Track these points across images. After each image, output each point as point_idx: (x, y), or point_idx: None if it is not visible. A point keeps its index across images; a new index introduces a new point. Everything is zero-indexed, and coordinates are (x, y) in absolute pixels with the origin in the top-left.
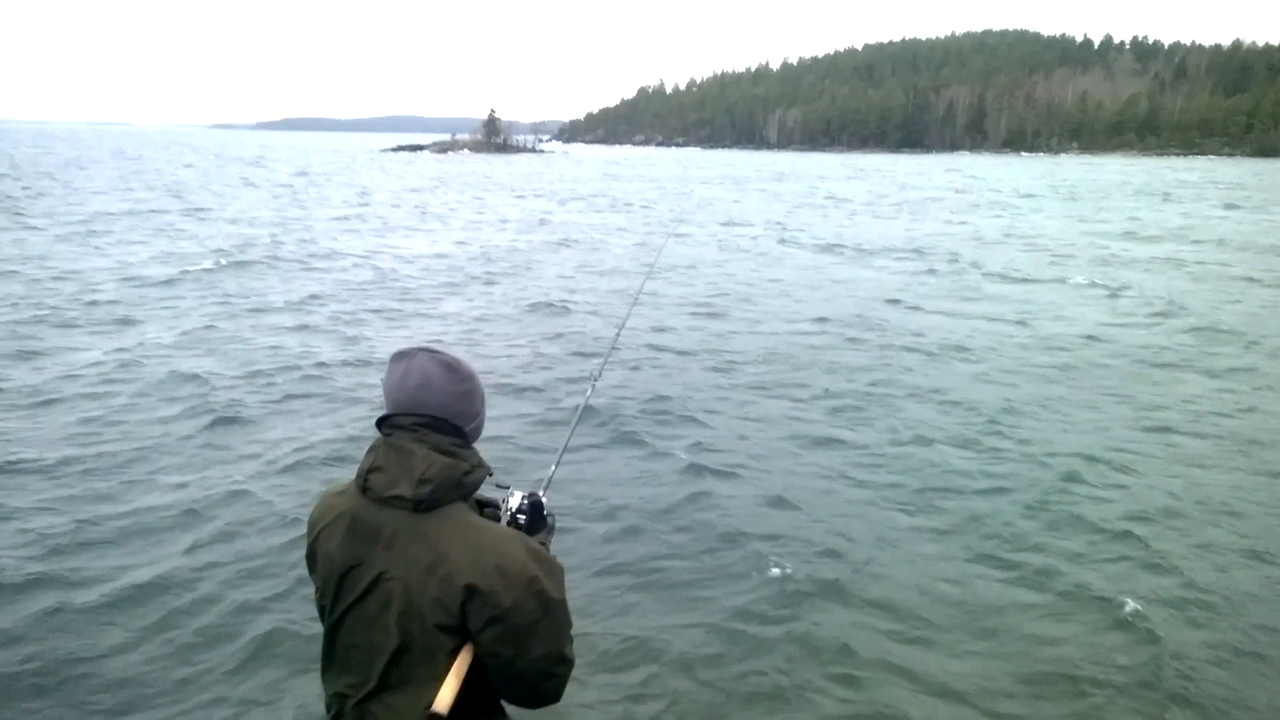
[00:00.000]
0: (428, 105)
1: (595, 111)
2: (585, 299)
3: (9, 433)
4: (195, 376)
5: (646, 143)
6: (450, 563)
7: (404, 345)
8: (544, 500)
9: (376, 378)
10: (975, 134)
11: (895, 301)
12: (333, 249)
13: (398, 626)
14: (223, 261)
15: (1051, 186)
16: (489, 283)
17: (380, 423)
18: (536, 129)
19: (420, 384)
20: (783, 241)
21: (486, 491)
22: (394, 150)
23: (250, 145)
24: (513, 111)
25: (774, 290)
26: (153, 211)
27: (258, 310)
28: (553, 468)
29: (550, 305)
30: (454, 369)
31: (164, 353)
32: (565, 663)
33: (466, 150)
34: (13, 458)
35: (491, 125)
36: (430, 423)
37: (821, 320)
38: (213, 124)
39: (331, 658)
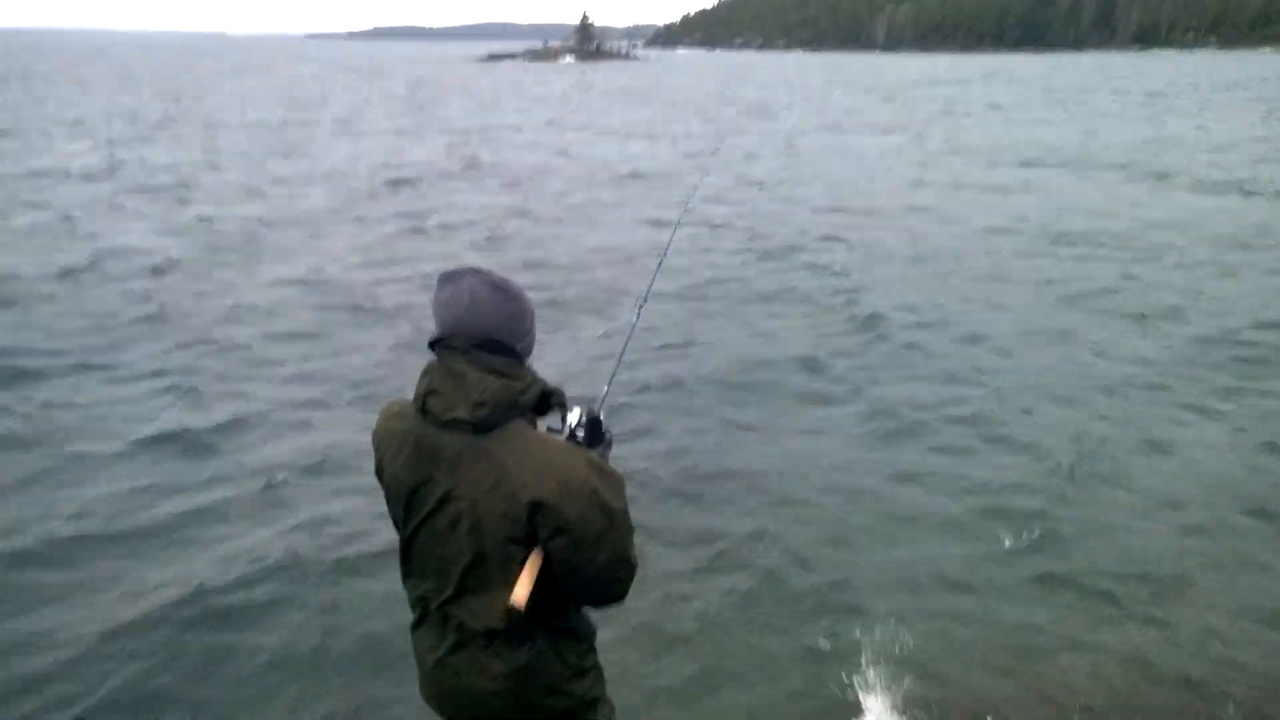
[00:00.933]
0: (519, 11)
1: (692, 14)
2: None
3: None
4: None
5: (746, 46)
6: (514, 480)
7: (450, 266)
8: (601, 417)
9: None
10: (1103, 29)
11: None
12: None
13: (469, 539)
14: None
15: None
16: None
17: (432, 344)
18: (630, 34)
19: (470, 305)
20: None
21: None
22: (487, 59)
23: (358, 55)
24: (606, 16)
25: None
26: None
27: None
28: (605, 387)
29: None
30: (503, 289)
31: None
32: (629, 566)
33: (570, 58)
34: None
35: (585, 31)
36: (482, 343)
37: None
38: (307, 33)
39: (409, 565)
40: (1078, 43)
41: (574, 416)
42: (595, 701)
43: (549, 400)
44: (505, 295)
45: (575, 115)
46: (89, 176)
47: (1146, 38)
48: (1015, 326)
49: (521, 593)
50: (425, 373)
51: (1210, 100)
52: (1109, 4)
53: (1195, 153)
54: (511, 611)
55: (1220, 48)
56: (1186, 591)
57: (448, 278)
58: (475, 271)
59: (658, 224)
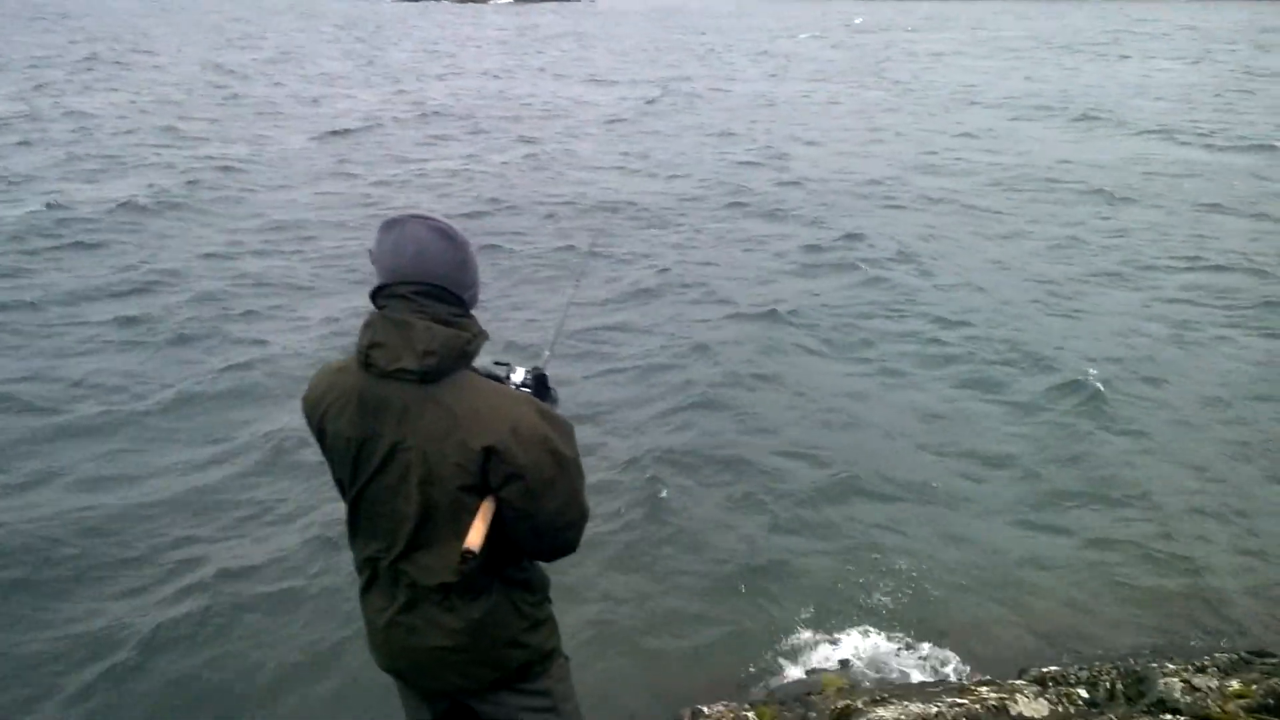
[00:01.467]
0: None
1: None
2: None
3: None
4: None
5: None
6: (465, 428)
7: (391, 214)
8: (547, 373)
9: None
10: None
11: None
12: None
13: (419, 492)
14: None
15: None
16: None
17: (374, 294)
18: None
19: (417, 252)
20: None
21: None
22: None
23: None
24: None
25: None
26: None
27: None
28: (552, 339)
29: None
30: (450, 236)
31: None
32: (581, 514)
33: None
34: None
35: None
36: (429, 290)
37: None
38: None
39: (357, 527)
40: None
41: (518, 375)
42: (552, 652)
43: (493, 369)
44: (452, 242)
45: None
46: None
47: None
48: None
49: (476, 537)
50: (367, 325)
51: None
52: None
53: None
54: (467, 556)
55: None
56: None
57: (391, 224)
58: (419, 217)
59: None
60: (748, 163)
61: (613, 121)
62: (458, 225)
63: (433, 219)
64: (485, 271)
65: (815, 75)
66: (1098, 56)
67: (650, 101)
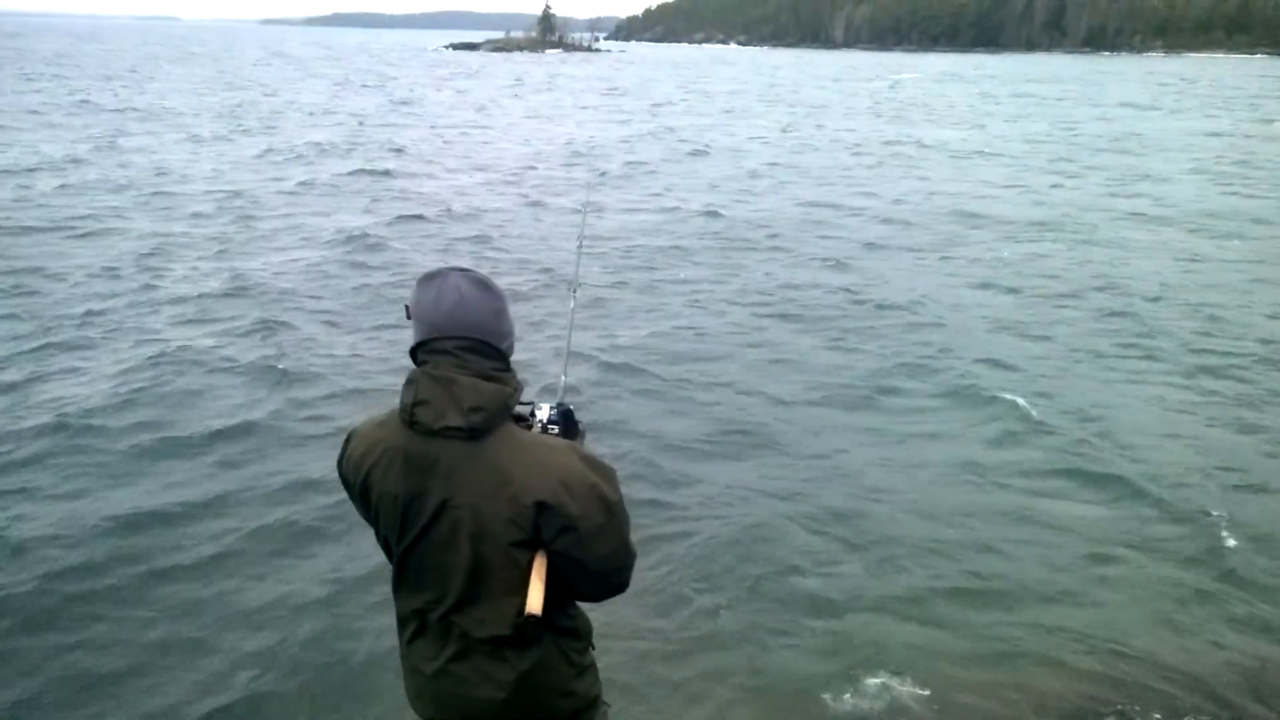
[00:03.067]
0: (479, 0)
1: (654, 7)
2: None
3: None
4: None
5: (707, 40)
6: (515, 483)
7: (432, 267)
8: (572, 408)
9: None
10: (1053, 32)
11: None
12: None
13: (470, 548)
14: None
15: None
16: None
17: (415, 350)
18: (593, 26)
19: (456, 303)
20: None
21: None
22: (449, 48)
23: (324, 44)
24: (568, 7)
25: None
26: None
27: None
28: (563, 377)
29: None
30: (487, 286)
31: None
32: (630, 555)
33: (541, 50)
34: None
35: (547, 22)
36: (471, 345)
37: None
38: (261, 19)
39: (404, 580)
40: (1029, 44)
41: (543, 413)
42: (596, 699)
43: (516, 412)
44: (489, 293)
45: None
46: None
47: (1095, 40)
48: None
49: (536, 599)
50: (410, 381)
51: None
52: (1059, 8)
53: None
54: (530, 620)
55: (1166, 52)
56: None
57: (430, 277)
58: (458, 270)
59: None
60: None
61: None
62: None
63: (471, 271)
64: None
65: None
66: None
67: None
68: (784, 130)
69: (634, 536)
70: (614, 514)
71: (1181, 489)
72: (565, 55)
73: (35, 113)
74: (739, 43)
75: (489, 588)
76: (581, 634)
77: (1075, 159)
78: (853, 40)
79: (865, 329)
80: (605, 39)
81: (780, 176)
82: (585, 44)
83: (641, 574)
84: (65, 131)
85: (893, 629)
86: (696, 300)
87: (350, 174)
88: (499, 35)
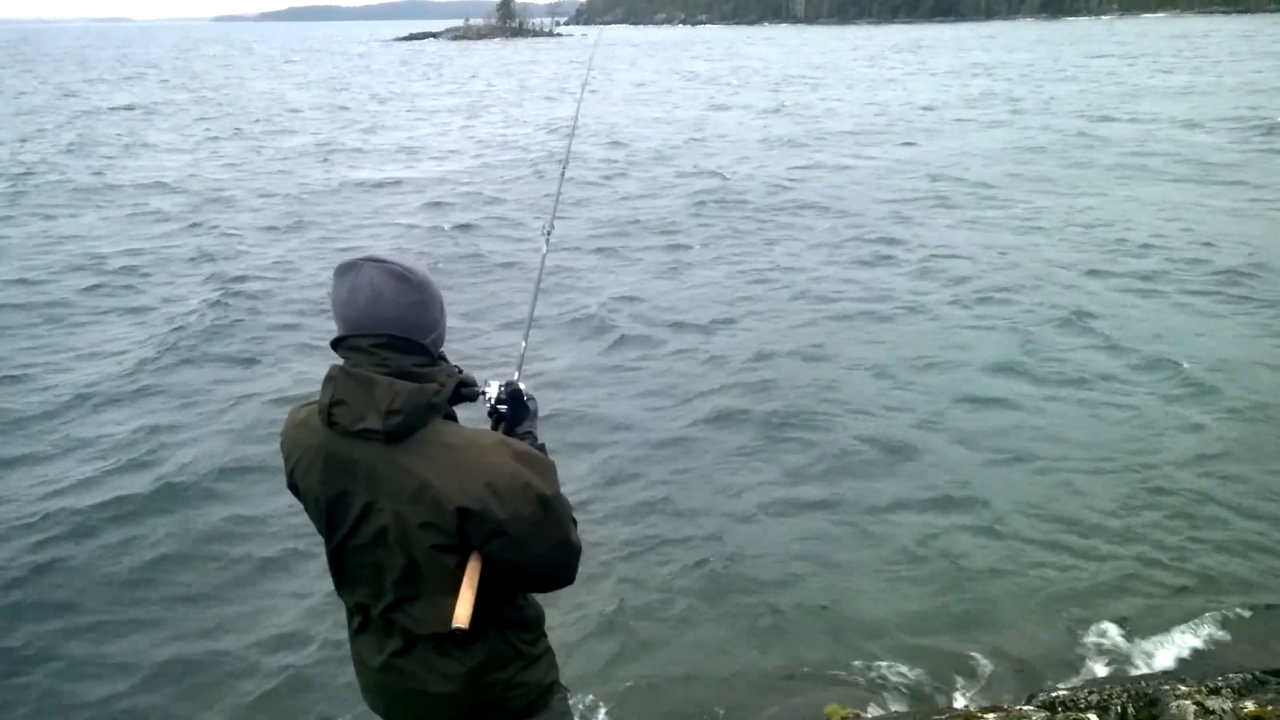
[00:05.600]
0: None
1: None
2: None
3: None
4: None
5: (669, 21)
6: (437, 489)
7: (349, 257)
8: (521, 386)
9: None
10: None
11: None
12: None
13: (399, 549)
14: None
15: None
16: None
17: (335, 344)
18: (553, 11)
19: (370, 299)
20: None
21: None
22: (406, 39)
23: (284, 39)
24: None
25: None
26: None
27: None
28: (522, 344)
29: None
30: (405, 278)
31: None
32: (573, 549)
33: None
34: None
35: (506, 8)
36: (389, 342)
37: None
38: (215, 16)
39: (342, 575)
40: (988, 12)
41: (492, 391)
42: (552, 686)
43: (461, 392)
44: (408, 285)
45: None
46: None
47: (1051, 6)
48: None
49: (464, 611)
50: (329, 379)
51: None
52: None
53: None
54: (456, 633)
55: (1122, 13)
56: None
57: (345, 269)
58: (374, 261)
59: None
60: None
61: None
62: (416, 264)
63: (388, 261)
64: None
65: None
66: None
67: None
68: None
69: (593, 523)
70: (550, 510)
71: None
72: (534, 40)
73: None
74: (699, 22)
75: (424, 587)
76: (532, 623)
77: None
78: (814, 15)
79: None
80: (566, 23)
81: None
82: (547, 29)
83: (599, 559)
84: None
85: (862, 614)
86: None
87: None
88: (459, 24)
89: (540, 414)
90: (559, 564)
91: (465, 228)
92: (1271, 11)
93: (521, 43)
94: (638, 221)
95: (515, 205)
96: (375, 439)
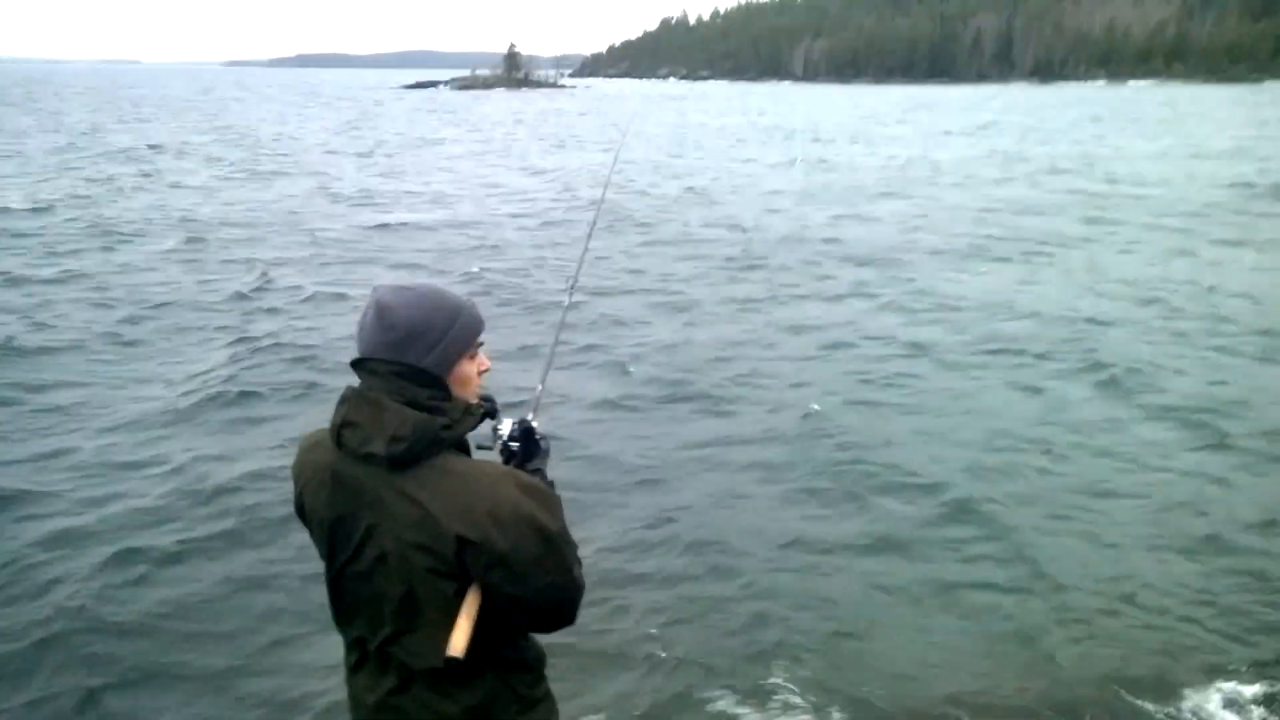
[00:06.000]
0: (445, 40)
1: (617, 45)
2: None
3: None
4: None
5: (670, 76)
6: (437, 517)
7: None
8: (534, 425)
9: None
10: (1003, 63)
11: None
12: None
13: (398, 578)
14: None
15: None
16: None
17: (354, 365)
18: (558, 63)
19: (376, 313)
20: None
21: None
22: (413, 87)
23: (299, 84)
24: (532, 45)
25: None
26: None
27: None
28: (539, 387)
29: None
30: (382, 312)
31: None
32: (575, 587)
33: (503, 89)
34: None
35: (512, 60)
36: (403, 372)
37: None
38: (226, 61)
39: (340, 606)
40: (980, 76)
41: (505, 428)
42: None
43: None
44: (382, 319)
45: None
46: None
47: (1042, 72)
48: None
49: (460, 640)
50: (342, 400)
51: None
52: (1007, 40)
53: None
54: (449, 662)
55: (1109, 80)
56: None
57: (372, 293)
58: (386, 286)
59: None
60: None
61: None
62: (413, 291)
63: (383, 289)
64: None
65: None
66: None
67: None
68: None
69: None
70: (553, 545)
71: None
72: (532, 91)
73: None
74: (700, 78)
75: (422, 619)
76: (532, 664)
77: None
78: (812, 74)
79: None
80: (570, 75)
81: None
82: (551, 80)
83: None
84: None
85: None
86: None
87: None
88: (465, 73)
89: (551, 455)
90: (560, 600)
91: (492, 270)
92: (1254, 81)
93: (531, 94)
94: (669, 270)
95: (550, 250)
96: (380, 464)
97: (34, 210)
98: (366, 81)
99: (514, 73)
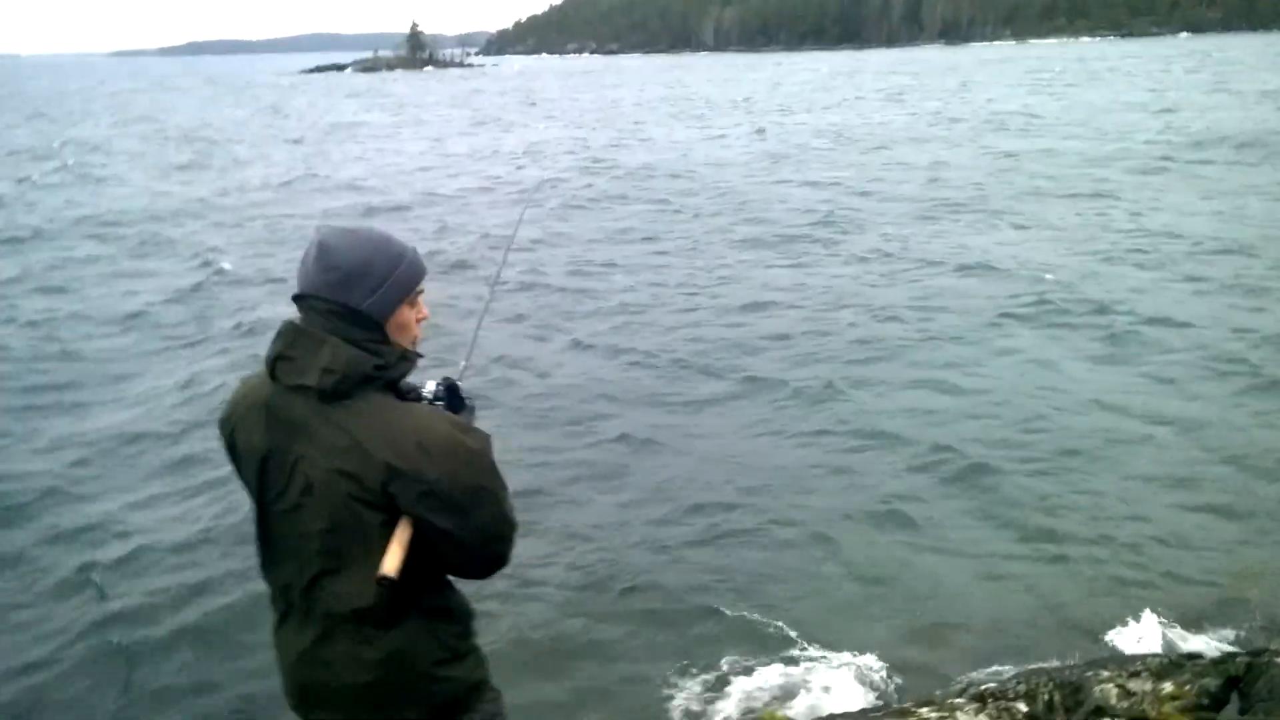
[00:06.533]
0: (343, 22)
1: (524, 20)
2: None
3: None
4: None
5: (580, 51)
6: (366, 446)
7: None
8: (460, 384)
9: None
10: (912, 25)
11: None
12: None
13: (325, 510)
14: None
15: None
16: None
17: (296, 300)
18: (464, 42)
19: (319, 251)
20: None
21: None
22: (314, 71)
23: (195, 73)
24: (436, 24)
25: None
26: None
27: None
28: (462, 363)
29: None
30: (353, 232)
31: None
32: (508, 523)
33: (400, 70)
34: None
35: (416, 40)
36: (343, 313)
37: None
38: (112, 51)
39: (267, 550)
40: (890, 39)
41: (429, 387)
42: (480, 685)
43: (403, 385)
44: (355, 236)
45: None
46: None
47: (950, 32)
48: None
49: (392, 562)
50: (279, 333)
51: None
52: (915, 2)
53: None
54: (383, 582)
55: (1015, 39)
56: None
57: (317, 230)
58: (330, 227)
59: None
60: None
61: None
62: (358, 233)
63: (325, 229)
64: None
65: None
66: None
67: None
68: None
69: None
70: (483, 476)
71: None
72: (441, 72)
73: None
74: (611, 51)
75: (348, 556)
76: (458, 616)
77: None
78: (723, 43)
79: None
80: (477, 54)
81: None
82: (458, 60)
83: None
84: None
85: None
86: None
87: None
88: (368, 55)
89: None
90: (492, 536)
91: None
92: (1153, 34)
93: (438, 74)
94: (624, 231)
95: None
96: (311, 396)
97: None
98: (264, 67)
99: (418, 53)
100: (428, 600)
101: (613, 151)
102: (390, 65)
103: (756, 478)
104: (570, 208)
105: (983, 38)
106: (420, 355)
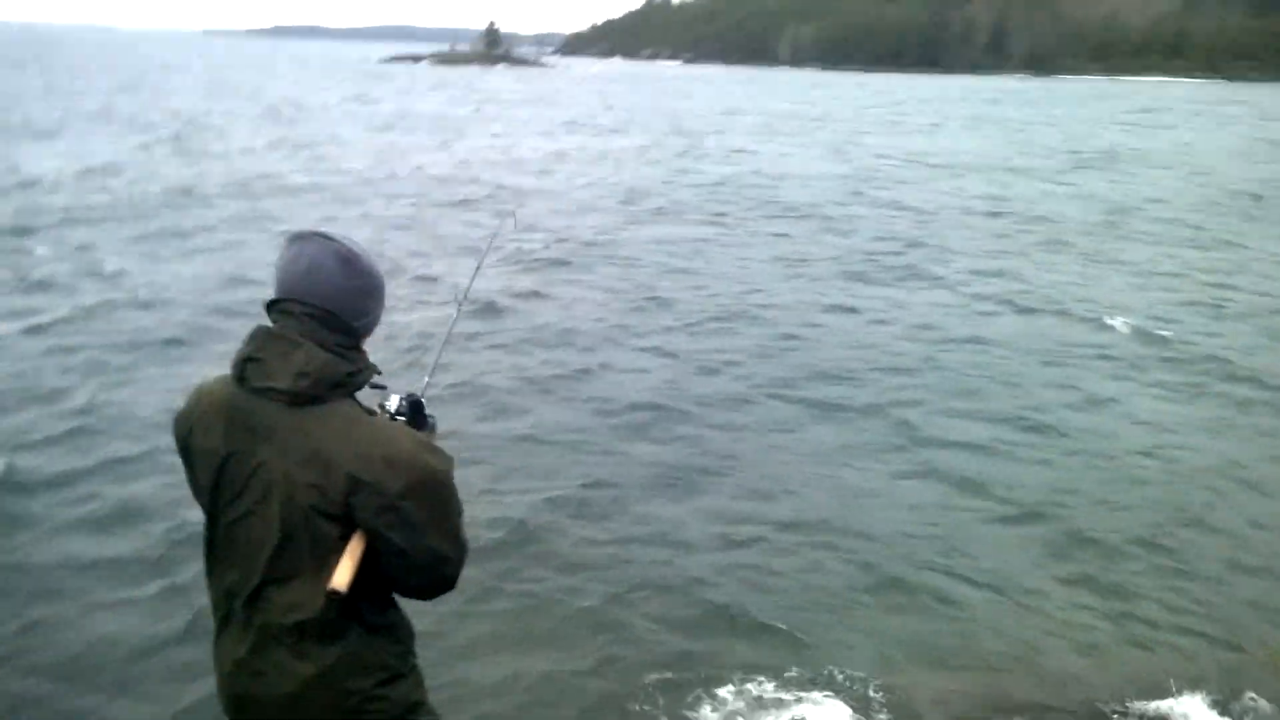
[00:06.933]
0: (421, 15)
1: (600, 23)
2: None
3: None
4: None
5: (654, 58)
6: (330, 455)
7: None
8: (424, 400)
9: None
10: (995, 54)
11: None
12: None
13: (280, 517)
14: None
15: None
16: None
17: (268, 307)
18: (540, 41)
19: (308, 270)
20: None
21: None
22: (392, 60)
23: (286, 56)
24: (513, 23)
25: None
26: None
27: None
28: (426, 378)
29: None
30: (349, 261)
31: None
32: (460, 546)
33: (497, 65)
34: None
35: (492, 36)
36: (317, 314)
37: None
38: (203, 29)
39: (214, 555)
40: (972, 67)
41: (393, 402)
42: (416, 706)
43: (373, 382)
44: (350, 268)
45: None
46: None
47: (1035, 64)
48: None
49: (343, 576)
50: (251, 336)
51: None
52: (1000, 31)
53: None
54: (333, 596)
55: (1106, 75)
56: None
57: (295, 238)
58: (325, 237)
59: None
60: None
61: None
62: (366, 251)
63: (339, 242)
64: None
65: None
66: None
67: None
68: None
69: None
70: (444, 500)
71: None
72: (518, 69)
73: None
74: (685, 60)
75: (297, 566)
76: (399, 635)
77: None
78: (800, 60)
79: None
80: (552, 53)
81: None
82: (533, 59)
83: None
84: None
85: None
86: None
87: None
88: (444, 49)
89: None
90: (443, 558)
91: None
92: (1254, 79)
93: (513, 71)
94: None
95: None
96: (280, 400)
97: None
98: (344, 55)
99: (493, 49)
100: (371, 617)
101: (701, 163)
102: (466, 60)
103: (813, 501)
104: (660, 214)
105: (1069, 71)
106: (379, 371)
